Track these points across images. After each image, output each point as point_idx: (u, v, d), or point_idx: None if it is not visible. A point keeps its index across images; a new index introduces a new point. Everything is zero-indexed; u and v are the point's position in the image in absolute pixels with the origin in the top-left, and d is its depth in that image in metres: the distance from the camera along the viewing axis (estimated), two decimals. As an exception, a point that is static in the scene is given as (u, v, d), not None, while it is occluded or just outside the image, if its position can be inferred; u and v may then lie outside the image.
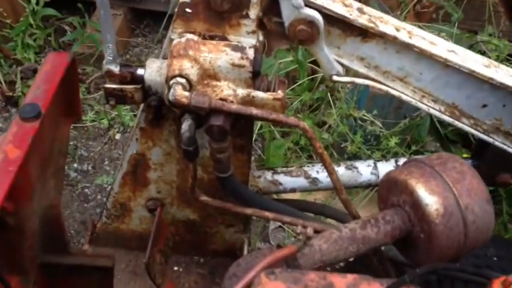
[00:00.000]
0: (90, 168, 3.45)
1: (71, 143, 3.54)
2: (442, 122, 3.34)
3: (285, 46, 3.97)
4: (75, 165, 3.44)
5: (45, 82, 1.19)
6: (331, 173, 1.53)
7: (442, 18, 3.69)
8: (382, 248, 1.69)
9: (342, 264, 2.50)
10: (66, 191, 3.30)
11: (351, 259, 1.92)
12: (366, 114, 3.12)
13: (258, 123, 3.33)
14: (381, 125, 3.12)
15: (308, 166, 1.98)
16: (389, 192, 1.45)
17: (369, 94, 3.11)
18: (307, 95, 3.45)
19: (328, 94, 3.38)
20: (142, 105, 1.71)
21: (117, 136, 3.60)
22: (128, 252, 2.10)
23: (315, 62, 3.54)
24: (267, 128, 3.44)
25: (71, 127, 3.57)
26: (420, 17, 3.73)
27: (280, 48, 3.76)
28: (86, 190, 3.33)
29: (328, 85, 3.41)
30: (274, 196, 2.15)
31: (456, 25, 3.53)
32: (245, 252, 2.06)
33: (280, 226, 3.22)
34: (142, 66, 1.56)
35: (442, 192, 1.35)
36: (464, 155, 2.65)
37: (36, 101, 1.15)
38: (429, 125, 3.27)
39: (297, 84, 3.47)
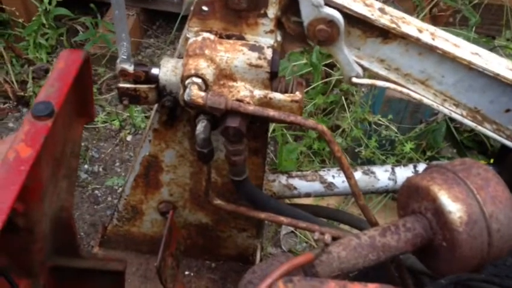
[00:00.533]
0: (100, 169, 3.43)
1: (82, 144, 3.52)
2: (458, 128, 3.29)
3: (298, 49, 3.96)
4: (85, 166, 3.41)
5: (59, 80, 1.15)
6: (349, 178, 1.49)
7: (459, 23, 3.64)
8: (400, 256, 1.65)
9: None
10: (76, 192, 3.28)
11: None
12: (380, 118, 3.08)
13: (271, 126, 3.30)
14: (396, 130, 3.07)
15: (324, 170, 1.93)
16: (410, 198, 1.40)
17: (384, 98, 3.06)
18: (321, 98, 3.41)
19: (343, 98, 3.34)
20: (155, 106, 1.68)
21: (129, 138, 3.57)
22: (139, 255, 2.07)
23: (329, 65, 3.51)
24: (279, 132, 3.40)
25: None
26: (436, 21, 3.68)
27: (294, 50, 3.74)
28: (96, 192, 3.31)
29: (342, 89, 3.37)
30: (287, 201, 2.11)
31: (473, 29, 3.48)
32: (258, 257, 2.02)
33: (292, 231, 3.18)
34: (157, 65, 1.52)
35: (465, 200, 1.30)
36: (481, 162, 2.60)
37: (49, 99, 1.12)
38: (445, 131, 3.23)
39: (310, 87, 3.43)
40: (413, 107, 3.05)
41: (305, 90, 3.45)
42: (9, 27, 3.89)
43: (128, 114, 3.59)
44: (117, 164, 3.45)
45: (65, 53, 1.23)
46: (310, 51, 3.49)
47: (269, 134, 3.29)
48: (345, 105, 3.29)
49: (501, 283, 1.09)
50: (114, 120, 3.61)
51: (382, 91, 3.07)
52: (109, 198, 3.25)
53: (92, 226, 3.10)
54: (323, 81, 3.43)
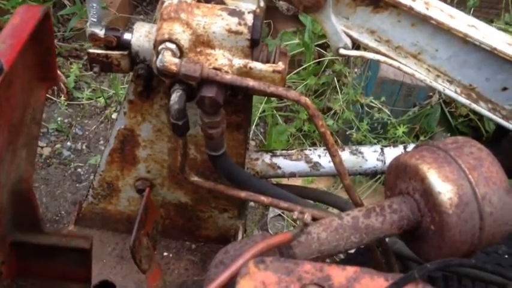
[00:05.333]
0: (84, 147, 3.33)
1: (65, 120, 3.42)
2: (453, 113, 3.21)
3: (291, 28, 3.84)
4: (68, 143, 3.32)
5: (12, 37, 1.05)
6: (333, 155, 1.39)
7: (456, 5, 3.54)
8: (386, 240, 1.57)
9: (342, 256, 2.38)
10: (58, 170, 3.20)
11: (352, 250, 1.80)
12: (373, 100, 3.00)
13: (260, 107, 3.21)
14: (388, 113, 3.00)
15: (310, 150, 1.84)
16: (398, 178, 1.31)
17: (378, 80, 2.98)
18: (313, 79, 3.32)
19: (335, 79, 3.25)
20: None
21: (114, 115, 3.48)
22: (115, 234, 1.99)
23: (322, 46, 3.41)
24: (269, 113, 3.31)
25: (65, 104, 3.46)
26: (433, 2, 3.57)
27: (287, 30, 3.63)
28: (79, 170, 3.21)
29: (334, 70, 3.28)
30: (272, 181, 2.03)
31: (471, 12, 3.39)
32: (239, 239, 1.94)
33: (279, 214, 3.10)
34: (130, 30, 1.42)
35: (456, 180, 1.21)
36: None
37: (-2, 56, 1.02)
38: (439, 115, 3.15)
39: (302, 67, 3.34)
40: (406, 89, 2.97)
41: (297, 71, 3.37)
42: (-7, -1, 3.77)
43: (114, 91, 3.48)
44: (101, 142, 3.36)
45: (22, 9, 1.12)
46: (303, 31, 3.40)
47: (259, 114, 3.22)
48: (337, 87, 3.21)
49: (493, 269, 1.01)
50: (99, 97, 3.50)
51: (375, 72, 2.98)
52: (92, 177, 3.16)
53: (73, 205, 3.02)
54: (315, 61, 3.34)
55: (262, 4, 1.41)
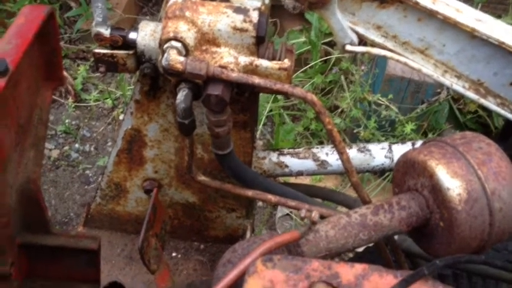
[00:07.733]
0: (92, 149, 3.34)
1: (73, 122, 3.43)
2: (461, 109, 3.19)
3: (297, 27, 3.82)
4: (76, 145, 3.33)
5: (17, 37, 1.05)
6: (341, 153, 1.38)
7: (463, 1, 3.52)
8: (395, 237, 1.56)
9: (350, 254, 2.37)
10: (66, 172, 3.20)
11: (361, 249, 1.78)
12: (380, 98, 2.98)
13: (267, 106, 3.20)
14: (396, 110, 2.98)
15: (317, 148, 1.83)
16: (406, 174, 1.30)
17: (385, 77, 2.96)
18: (320, 77, 3.31)
19: (342, 77, 3.23)
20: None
21: (121, 116, 3.48)
22: (124, 235, 1.99)
23: (328, 44, 3.40)
24: (276, 112, 3.30)
25: (73, 106, 3.47)
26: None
27: (293, 29, 3.62)
28: (87, 172, 3.22)
29: (341, 68, 3.27)
30: (280, 180, 2.02)
31: (479, 8, 3.36)
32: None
33: (287, 214, 3.09)
34: (136, 29, 1.42)
35: (465, 176, 1.19)
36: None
37: (4, 56, 1.01)
38: (448, 112, 3.13)
39: (309, 66, 3.33)
40: (414, 86, 2.95)
41: (303, 69, 3.36)
42: (0, 2, 3.78)
43: (121, 93, 3.49)
44: (109, 143, 3.36)
45: (26, 8, 1.12)
46: (309, 29, 3.39)
47: (266, 113, 3.21)
48: (344, 85, 3.19)
49: (503, 266, 0.99)
50: (106, 98, 3.51)
51: (383, 69, 2.97)
52: (100, 178, 3.17)
53: (82, 207, 3.02)
54: (322, 59, 3.33)
55: (267, 1, 1.40)
